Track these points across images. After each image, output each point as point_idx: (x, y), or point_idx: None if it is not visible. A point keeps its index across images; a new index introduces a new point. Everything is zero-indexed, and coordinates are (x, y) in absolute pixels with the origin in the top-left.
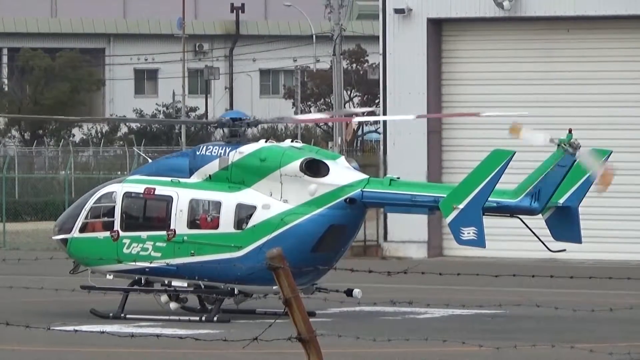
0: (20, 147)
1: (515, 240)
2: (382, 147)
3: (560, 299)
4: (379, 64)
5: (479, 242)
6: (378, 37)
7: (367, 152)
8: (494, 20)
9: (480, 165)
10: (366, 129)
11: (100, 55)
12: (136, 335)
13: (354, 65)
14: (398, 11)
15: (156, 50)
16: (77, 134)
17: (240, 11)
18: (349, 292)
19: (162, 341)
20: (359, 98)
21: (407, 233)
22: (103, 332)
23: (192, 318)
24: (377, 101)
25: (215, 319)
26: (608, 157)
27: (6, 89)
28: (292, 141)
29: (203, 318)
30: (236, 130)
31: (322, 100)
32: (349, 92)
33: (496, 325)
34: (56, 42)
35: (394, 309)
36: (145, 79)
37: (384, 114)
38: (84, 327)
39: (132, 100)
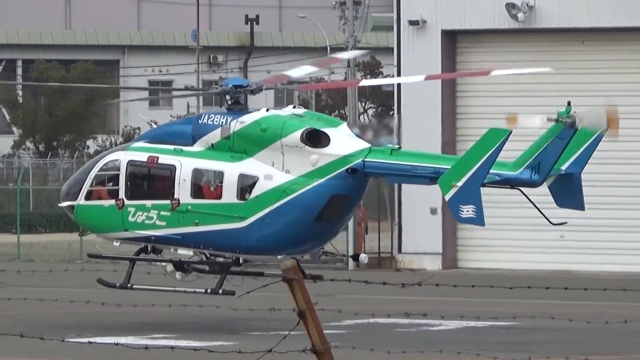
0: (34, 159)
1: (529, 252)
2: None
3: (574, 311)
4: (393, 75)
5: (478, 219)
6: (392, 48)
7: None
8: (508, 32)
9: (477, 144)
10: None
11: (114, 67)
12: (150, 347)
13: (369, 76)
14: (412, 23)
15: (170, 61)
16: (92, 146)
17: (254, 23)
18: (356, 257)
19: (176, 353)
20: (374, 110)
21: (421, 245)
22: (117, 344)
23: (197, 290)
24: (391, 113)
25: (220, 291)
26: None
27: (21, 100)
28: (294, 107)
29: (208, 290)
30: (238, 97)
31: (337, 111)
32: (363, 104)
33: (510, 337)
34: (70, 54)
35: (408, 321)
36: (159, 91)
37: (399, 125)
38: (98, 339)
39: (146, 112)
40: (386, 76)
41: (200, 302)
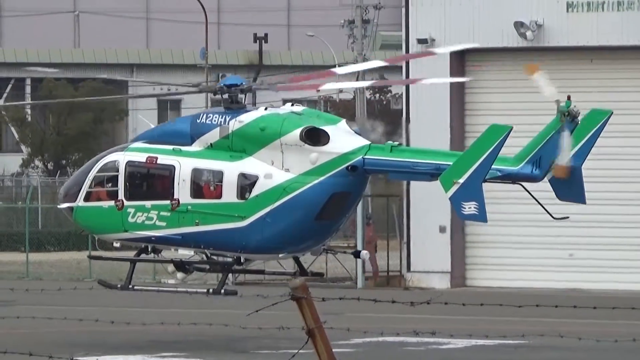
0: (43, 177)
1: (538, 270)
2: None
3: (583, 329)
4: (402, 94)
5: (480, 216)
6: (401, 67)
7: (390, 182)
8: (517, 50)
9: (479, 140)
10: None
11: (123, 85)
12: None
13: (377, 95)
14: (421, 41)
15: (179, 80)
16: None
17: (263, 41)
18: (357, 254)
19: None
20: (382, 128)
21: (430, 263)
22: None
23: (199, 290)
24: (399, 131)
25: (222, 291)
26: (608, 118)
27: (29, 119)
28: (292, 104)
29: (210, 291)
30: (235, 96)
31: None
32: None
33: (519, 356)
34: (79, 73)
35: (417, 340)
36: (168, 109)
37: (407, 144)
38: (107, 358)
39: None
40: (395, 95)
41: (209, 321)
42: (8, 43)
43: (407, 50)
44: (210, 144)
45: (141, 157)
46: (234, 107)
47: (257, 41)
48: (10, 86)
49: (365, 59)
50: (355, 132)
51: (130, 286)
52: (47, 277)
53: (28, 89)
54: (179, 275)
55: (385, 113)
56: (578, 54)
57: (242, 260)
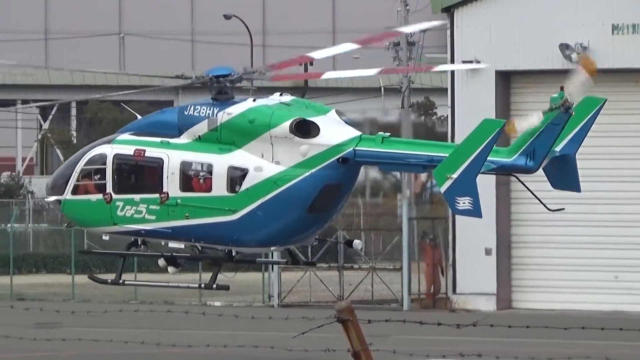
0: None
1: (584, 293)
2: None
3: (630, 352)
4: (447, 116)
5: (475, 211)
6: (447, 89)
7: (435, 204)
8: (562, 72)
9: (471, 135)
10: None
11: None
12: None
13: (423, 117)
14: (467, 62)
15: None
16: None
17: (308, 63)
18: (349, 243)
19: None
20: None
21: (475, 285)
22: None
23: (191, 285)
24: None
25: (214, 286)
26: (602, 105)
27: (75, 141)
28: (280, 94)
29: (202, 285)
30: (223, 87)
31: None
32: None
33: None
34: (124, 95)
35: None
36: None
37: None
38: None
39: None
40: (441, 117)
41: (255, 343)
42: (54, 65)
43: (453, 73)
44: (199, 136)
45: (129, 150)
46: (222, 98)
47: (303, 63)
48: (55, 108)
49: (410, 81)
50: (345, 122)
51: (120, 281)
52: (93, 299)
53: (73, 112)
54: (170, 269)
55: (431, 135)
56: (623, 76)
57: (233, 254)
